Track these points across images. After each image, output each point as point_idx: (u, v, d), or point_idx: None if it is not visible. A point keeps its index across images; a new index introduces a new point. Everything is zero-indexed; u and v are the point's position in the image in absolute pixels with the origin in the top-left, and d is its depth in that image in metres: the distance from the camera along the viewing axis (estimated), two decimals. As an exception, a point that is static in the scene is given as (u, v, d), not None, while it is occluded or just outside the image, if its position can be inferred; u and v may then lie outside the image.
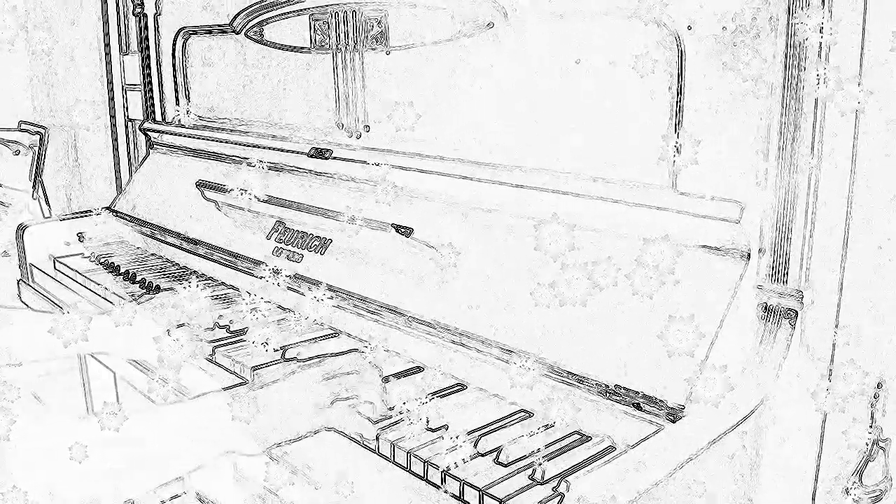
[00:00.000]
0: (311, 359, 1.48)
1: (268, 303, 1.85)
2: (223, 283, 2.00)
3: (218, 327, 1.65)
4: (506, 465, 1.16)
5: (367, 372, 1.28)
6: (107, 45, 2.73)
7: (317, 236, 1.79)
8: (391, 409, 1.31)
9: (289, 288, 1.78)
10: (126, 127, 2.79)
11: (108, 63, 2.74)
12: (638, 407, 1.20)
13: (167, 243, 2.21)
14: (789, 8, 1.18)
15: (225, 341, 1.61)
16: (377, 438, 1.25)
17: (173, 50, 2.34)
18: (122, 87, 2.74)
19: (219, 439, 1.19)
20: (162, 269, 2.13)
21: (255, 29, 2.05)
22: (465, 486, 1.13)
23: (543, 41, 1.44)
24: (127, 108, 2.76)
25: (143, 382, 1.67)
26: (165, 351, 1.48)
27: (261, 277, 1.85)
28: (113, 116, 2.80)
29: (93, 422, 1.14)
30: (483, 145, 1.56)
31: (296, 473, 1.29)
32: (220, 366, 1.56)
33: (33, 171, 2.84)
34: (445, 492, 1.15)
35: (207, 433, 1.19)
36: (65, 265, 2.21)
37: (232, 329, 1.66)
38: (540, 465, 1.14)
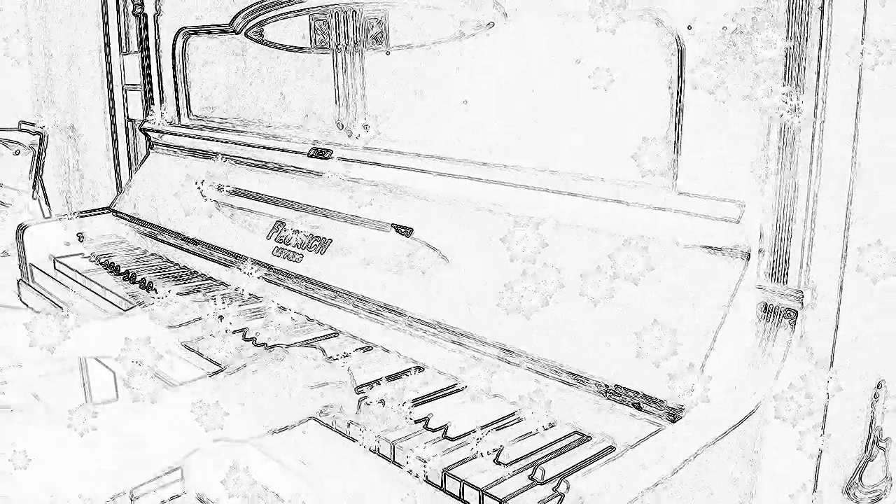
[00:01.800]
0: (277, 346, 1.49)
1: (250, 299, 1.85)
2: (223, 283, 2.00)
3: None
4: (506, 465, 1.16)
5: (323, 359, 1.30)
6: (107, 45, 2.73)
7: (317, 236, 1.79)
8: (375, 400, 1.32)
9: (279, 285, 1.79)
10: (126, 127, 2.79)
11: (108, 63, 2.74)
12: (638, 407, 1.20)
13: (167, 243, 2.21)
14: (789, 8, 1.18)
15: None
16: (378, 440, 1.25)
17: (173, 50, 2.34)
18: (122, 87, 2.74)
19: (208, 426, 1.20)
20: (162, 269, 2.13)
21: (255, 29, 2.05)
22: (465, 486, 1.13)
23: (543, 41, 1.44)
24: (127, 108, 2.76)
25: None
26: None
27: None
28: (113, 116, 2.80)
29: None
30: (483, 145, 1.56)
31: (295, 473, 1.29)
32: (211, 361, 1.56)
33: (33, 171, 2.84)
34: (445, 492, 1.15)
35: (195, 424, 1.19)
36: (65, 265, 2.21)
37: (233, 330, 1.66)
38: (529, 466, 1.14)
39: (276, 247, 1.86)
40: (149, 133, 2.49)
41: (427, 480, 1.18)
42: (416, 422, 1.29)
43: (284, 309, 1.81)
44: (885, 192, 1.24)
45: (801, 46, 1.18)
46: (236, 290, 1.95)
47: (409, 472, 1.18)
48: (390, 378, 1.45)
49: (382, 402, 1.34)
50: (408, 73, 1.69)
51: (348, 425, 1.29)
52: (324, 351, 1.37)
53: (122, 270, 2.09)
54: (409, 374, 1.48)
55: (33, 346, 1.39)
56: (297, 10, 1.91)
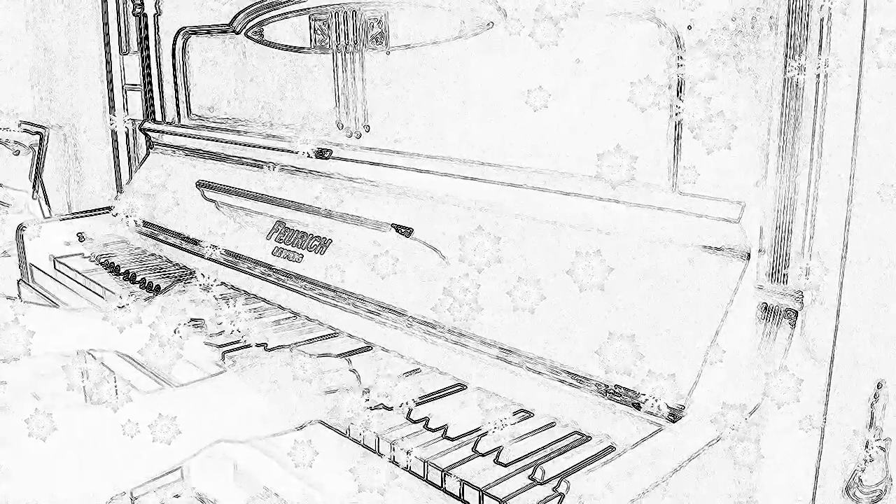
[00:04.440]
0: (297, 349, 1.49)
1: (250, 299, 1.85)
2: (223, 283, 2.00)
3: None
4: (506, 465, 1.16)
5: (340, 363, 1.31)
6: (107, 45, 2.73)
7: (317, 236, 1.79)
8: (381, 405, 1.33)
9: (280, 285, 1.79)
10: (126, 127, 2.79)
11: (108, 63, 2.74)
12: (638, 407, 1.20)
13: (167, 243, 2.21)
14: (789, 8, 1.18)
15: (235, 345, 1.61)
16: (378, 440, 1.25)
17: (173, 50, 2.34)
18: (122, 87, 2.74)
19: (210, 427, 1.19)
20: (162, 269, 2.13)
21: (255, 29, 2.05)
22: (465, 486, 1.13)
23: (543, 41, 1.44)
24: (127, 108, 2.76)
25: (147, 382, 1.67)
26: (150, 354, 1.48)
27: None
28: (113, 116, 2.80)
29: (89, 413, 1.14)
30: (483, 145, 1.56)
31: (296, 473, 1.29)
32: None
33: (33, 171, 2.84)
34: (445, 492, 1.15)
35: (199, 421, 1.19)
36: (65, 265, 2.21)
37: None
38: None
39: (276, 247, 1.86)
40: (149, 133, 2.49)
41: (427, 480, 1.18)
42: (415, 422, 1.29)
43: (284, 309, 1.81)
44: (885, 191, 1.24)
45: (800, 46, 1.18)
46: (236, 289, 1.95)
47: (391, 460, 1.19)
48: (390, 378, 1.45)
49: (382, 405, 1.34)
50: (408, 73, 1.69)
51: (349, 425, 1.29)
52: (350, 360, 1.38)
53: (122, 270, 2.09)
54: (408, 374, 1.48)
55: (6, 362, 1.39)
56: (297, 10, 1.91)
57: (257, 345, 1.59)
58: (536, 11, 1.43)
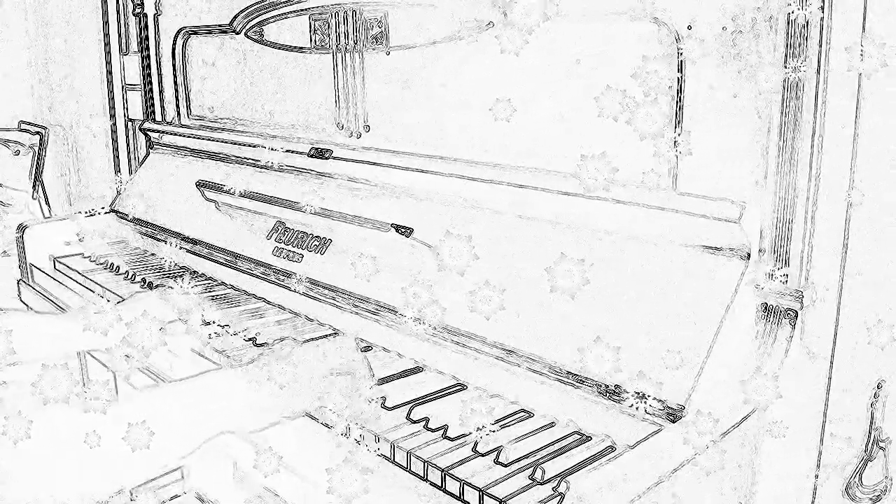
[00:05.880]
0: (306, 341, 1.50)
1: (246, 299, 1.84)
2: (223, 283, 2.00)
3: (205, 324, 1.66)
4: (506, 465, 1.17)
5: (352, 350, 1.32)
6: (107, 45, 2.73)
7: (317, 236, 1.79)
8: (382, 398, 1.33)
9: (279, 285, 1.79)
10: (126, 127, 2.79)
11: (108, 63, 2.74)
12: (637, 407, 1.20)
13: (167, 243, 2.21)
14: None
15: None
16: (378, 440, 1.25)
17: (173, 50, 2.34)
18: (122, 87, 2.74)
19: (211, 420, 1.19)
20: (162, 269, 2.13)
21: (255, 29, 2.05)
22: (465, 486, 1.13)
23: (543, 41, 1.44)
24: (127, 108, 2.76)
25: (143, 380, 1.67)
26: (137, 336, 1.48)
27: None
28: (113, 116, 2.80)
29: (89, 415, 1.14)
30: (483, 145, 1.56)
31: (295, 473, 1.29)
32: (207, 359, 1.56)
33: (33, 171, 2.84)
34: (445, 492, 1.15)
35: (203, 413, 1.18)
36: (65, 265, 2.21)
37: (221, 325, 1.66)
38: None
39: (276, 247, 1.86)
40: (149, 133, 2.49)
41: (427, 480, 1.18)
42: (415, 422, 1.29)
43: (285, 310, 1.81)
44: (885, 192, 1.24)
45: (800, 46, 1.18)
46: (235, 289, 1.95)
47: (391, 460, 1.18)
48: (391, 378, 1.45)
49: (384, 401, 1.34)
50: (408, 73, 1.69)
51: (347, 427, 1.29)
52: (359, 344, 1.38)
53: (122, 270, 2.09)
54: (408, 374, 1.48)
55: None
56: (297, 10, 1.91)
57: (256, 344, 1.59)
58: (536, 12, 1.43)
